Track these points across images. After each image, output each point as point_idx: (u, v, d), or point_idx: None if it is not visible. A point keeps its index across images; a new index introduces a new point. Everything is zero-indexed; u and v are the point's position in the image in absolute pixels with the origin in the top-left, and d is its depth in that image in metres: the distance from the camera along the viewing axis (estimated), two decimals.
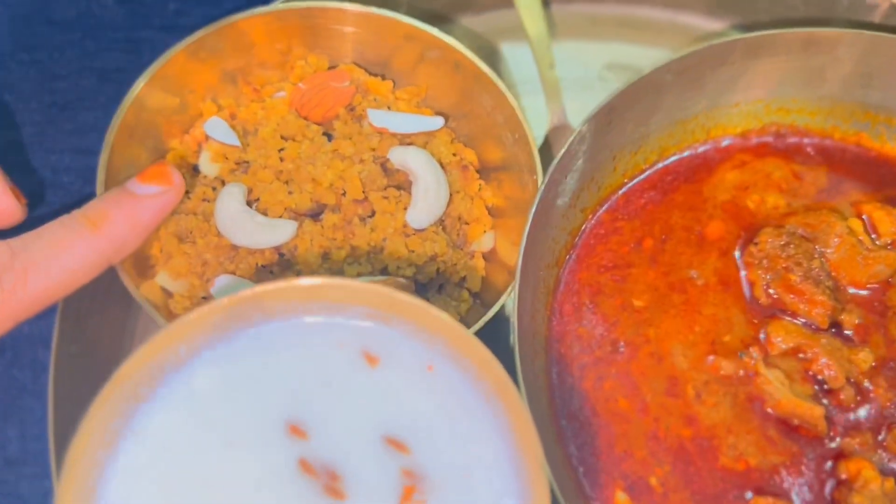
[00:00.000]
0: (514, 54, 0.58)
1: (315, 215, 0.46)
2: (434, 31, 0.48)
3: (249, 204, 0.46)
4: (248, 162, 0.47)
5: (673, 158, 0.51)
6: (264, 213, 0.45)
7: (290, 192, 0.46)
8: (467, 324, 0.43)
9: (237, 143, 0.47)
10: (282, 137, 0.48)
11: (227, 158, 0.47)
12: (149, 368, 0.30)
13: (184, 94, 0.48)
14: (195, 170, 0.48)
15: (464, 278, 0.47)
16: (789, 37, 0.48)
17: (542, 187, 0.43)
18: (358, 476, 0.30)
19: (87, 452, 0.29)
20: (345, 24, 0.49)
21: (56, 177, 0.54)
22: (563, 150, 0.43)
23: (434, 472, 0.31)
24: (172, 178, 0.40)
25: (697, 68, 0.48)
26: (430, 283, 0.46)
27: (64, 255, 0.34)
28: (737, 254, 0.48)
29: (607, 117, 0.46)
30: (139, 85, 0.45)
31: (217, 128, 0.48)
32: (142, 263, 0.44)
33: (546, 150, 0.53)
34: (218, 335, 0.32)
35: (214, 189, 0.47)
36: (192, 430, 0.31)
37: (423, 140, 0.49)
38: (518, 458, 0.30)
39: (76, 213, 0.37)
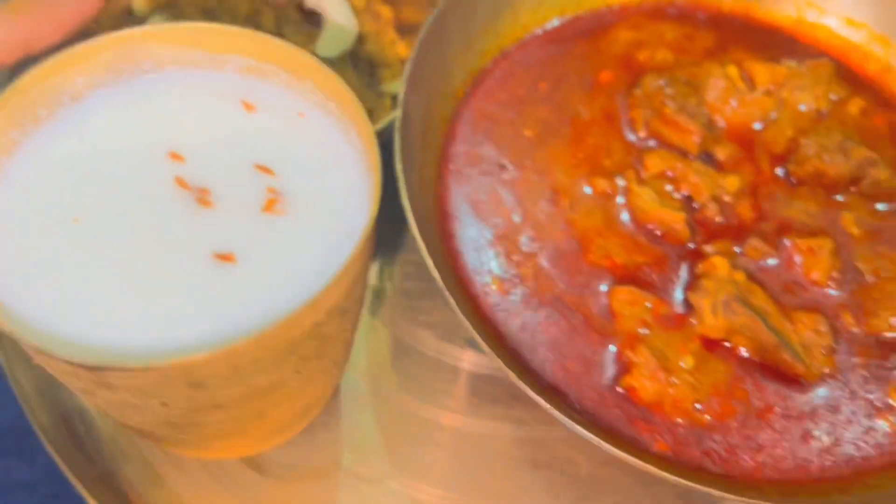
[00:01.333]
0: None
1: None
2: None
3: None
4: (176, 5, 0.52)
5: (572, 16, 0.55)
6: None
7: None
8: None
9: None
10: None
11: (157, 0, 0.52)
12: (48, 91, 0.34)
13: None
14: (130, 13, 0.52)
15: (371, 110, 0.51)
16: None
17: (432, 19, 0.46)
18: (226, 190, 0.34)
19: None
20: None
21: None
22: None
23: (296, 191, 0.34)
24: None
25: None
26: None
27: None
28: (622, 96, 0.52)
29: None
30: None
31: None
32: None
33: None
34: (113, 77, 0.36)
35: None
36: (87, 151, 0.35)
37: None
38: (367, 182, 0.34)
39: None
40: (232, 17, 0.50)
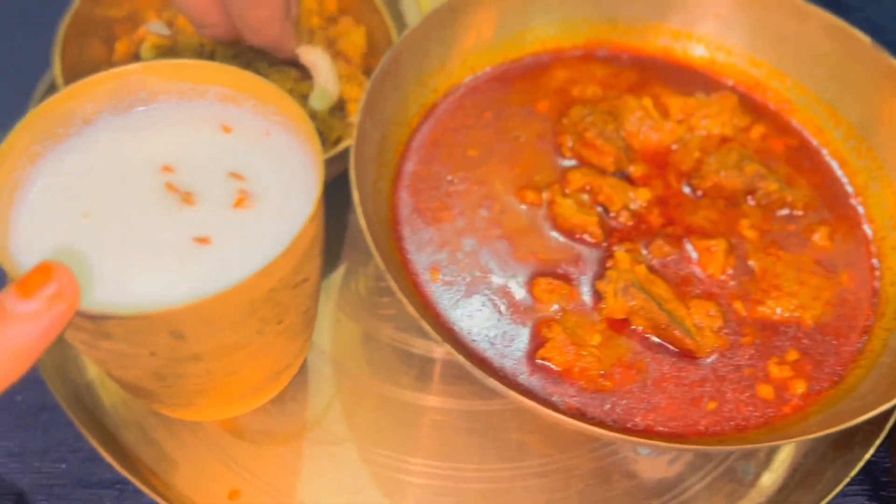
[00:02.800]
0: None
1: None
2: None
3: None
4: (176, 53, 0.62)
5: (515, 59, 0.65)
6: None
7: None
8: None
9: (167, 32, 0.61)
10: None
11: (159, 48, 0.62)
12: (65, 115, 0.43)
13: (133, 4, 0.63)
14: (137, 58, 0.62)
15: (340, 137, 0.60)
16: None
17: (386, 59, 0.56)
18: (205, 192, 0.43)
19: (11, 157, 0.40)
20: None
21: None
22: (405, 33, 0.57)
23: (261, 192, 0.43)
24: (63, 287, 0.31)
25: None
26: None
27: None
28: (554, 124, 0.61)
29: (450, 15, 0.60)
30: None
31: (155, 26, 0.63)
32: None
33: None
34: (116, 105, 0.45)
35: None
36: (95, 163, 0.43)
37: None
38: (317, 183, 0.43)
39: None
40: (223, 61, 0.60)
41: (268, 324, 0.41)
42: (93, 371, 0.53)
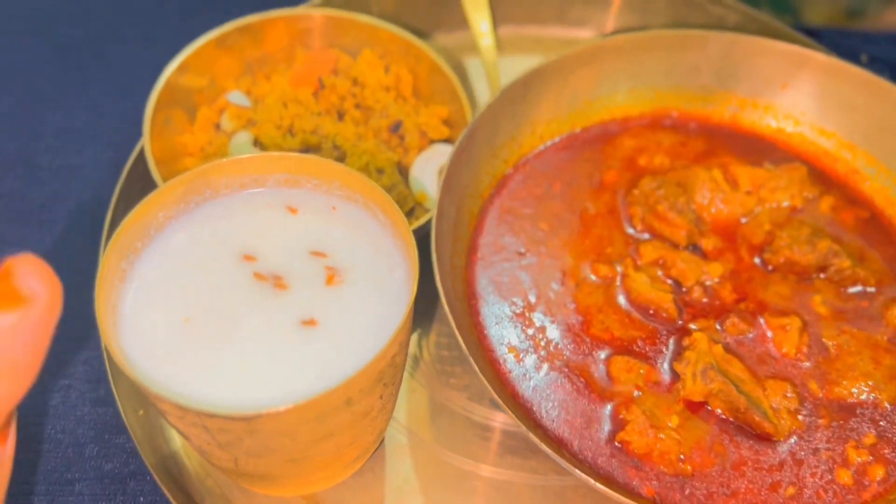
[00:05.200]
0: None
1: (303, 152, 0.61)
2: (401, 32, 0.65)
3: (255, 145, 0.62)
4: (256, 121, 0.64)
5: (582, 128, 0.66)
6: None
7: (283, 137, 0.62)
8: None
9: (248, 103, 0.63)
10: (283, 104, 0.64)
11: (240, 117, 0.64)
12: (140, 228, 0.44)
13: (213, 74, 0.65)
14: (218, 127, 0.64)
15: (411, 210, 0.62)
16: (668, 35, 0.64)
17: (464, 135, 0.57)
18: (294, 274, 0.44)
19: (107, 281, 0.42)
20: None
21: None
22: (481, 111, 0.58)
23: (347, 265, 0.44)
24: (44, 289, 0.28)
25: (597, 59, 0.64)
26: None
27: None
28: (623, 195, 0.61)
29: (522, 90, 0.61)
30: (178, 58, 0.63)
31: (235, 96, 0.65)
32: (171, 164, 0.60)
33: None
34: (183, 207, 0.46)
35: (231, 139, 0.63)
36: (178, 268, 0.44)
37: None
38: (400, 247, 0.44)
39: None
40: (303, 133, 0.61)
41: (387, 386, 0.42)
42: (178, 441, 0.55)
